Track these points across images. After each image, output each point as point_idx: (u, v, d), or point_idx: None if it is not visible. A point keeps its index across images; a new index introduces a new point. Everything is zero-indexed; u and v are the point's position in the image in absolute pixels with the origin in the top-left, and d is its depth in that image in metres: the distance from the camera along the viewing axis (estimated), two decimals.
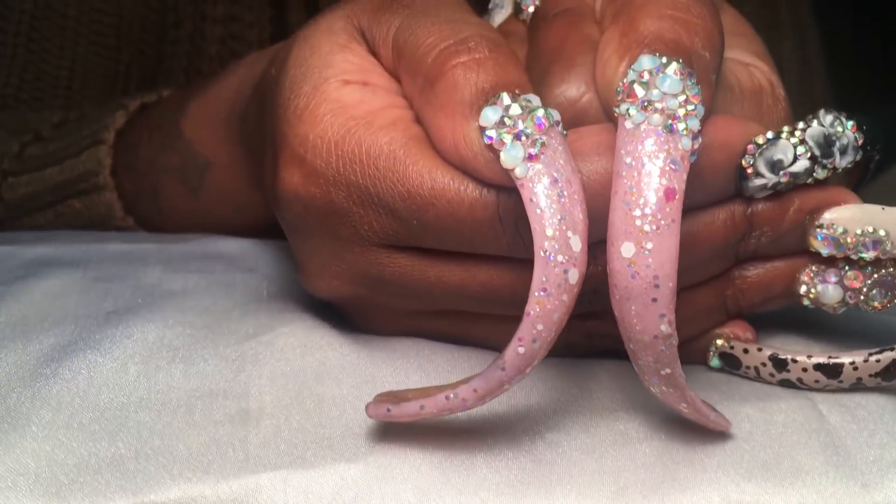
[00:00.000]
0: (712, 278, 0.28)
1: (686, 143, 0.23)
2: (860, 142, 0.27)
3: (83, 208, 0.43)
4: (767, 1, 0.58)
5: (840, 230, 0.27)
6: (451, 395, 0.23)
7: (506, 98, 0.24)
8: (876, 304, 0.27)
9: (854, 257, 0.27)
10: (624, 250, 0.22)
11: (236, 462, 0.24)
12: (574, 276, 0.23)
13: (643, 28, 0.25)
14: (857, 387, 0.28)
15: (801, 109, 0.55)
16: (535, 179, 0.23)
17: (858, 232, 0.27)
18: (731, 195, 0.27)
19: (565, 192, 0.23)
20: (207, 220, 0.41)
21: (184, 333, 0.29)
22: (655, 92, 0.23)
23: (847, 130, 0.27)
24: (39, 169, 0.44)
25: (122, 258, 0.36)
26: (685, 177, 0.23)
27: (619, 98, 0.24)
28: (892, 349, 0.27)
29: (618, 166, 0.23)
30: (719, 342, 0.29)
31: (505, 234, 0.25)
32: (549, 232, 0.22)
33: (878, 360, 0.27)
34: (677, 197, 0.23)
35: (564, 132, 0.24)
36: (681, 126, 0.23)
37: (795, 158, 0.26)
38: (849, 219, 0.27)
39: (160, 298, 0.31)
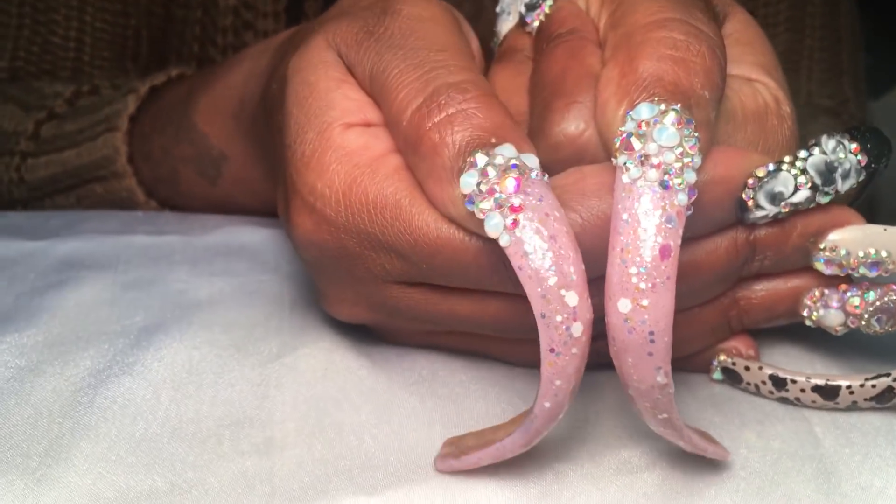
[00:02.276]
0: (717, 298, 0.29)
1: (682, 199, 0.23)
2: (863, 163, 0.27)
3: (105, 193, 0.44)
4: None
5: (843, 252, 0.28)
6: (500, 446, 0.25)
7: (480, 159, 0.24)
8: (877, 328, 0.28)
9: (857, 275, 0.28)
10: (621, 306, 0.23)
11: (263, 496, 0.26)
12: (578, 329, 0.23)
13: (642, 69, 0.25)
14: (853, 408, 0.29)
15: (831, 84, 0.53)
16: (517, 245, 0.23)
17: (861, 254, 0.28)
18: (733, 223, 0.27)
19: (551, 251, 0.23)
20: (227, 204, 0.42)
21: (211, 354, 0.30)
22: (652, 146, 0.24)
23: (849, 155, 0.27)
24: (58, 151, 0.45)
25: (149, 256, 0.37)
26: (681, 232, 0.23)
27: (617, 148, 0.24)
28: (888, 375, 0.28)
29: (615, 222, 0.24)
30: (722, 357, 0.30)
31: (511, 278, 0.26)
32: (543, 295, 0.23)
33: (873, 386, 0.28)
34: (673, 254, 0.23)
35: (545, 177, 0.24)
36: (676, 181, 0.23)
37: (796, 189, 0.27)
38: (851, 241, 0.28)
39: (188, 311, 0.33)
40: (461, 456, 0.25)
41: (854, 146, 0.27)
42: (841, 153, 0.27)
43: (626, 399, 0.29)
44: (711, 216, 0.27)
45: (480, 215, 0.24)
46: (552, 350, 0.23)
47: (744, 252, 0.28)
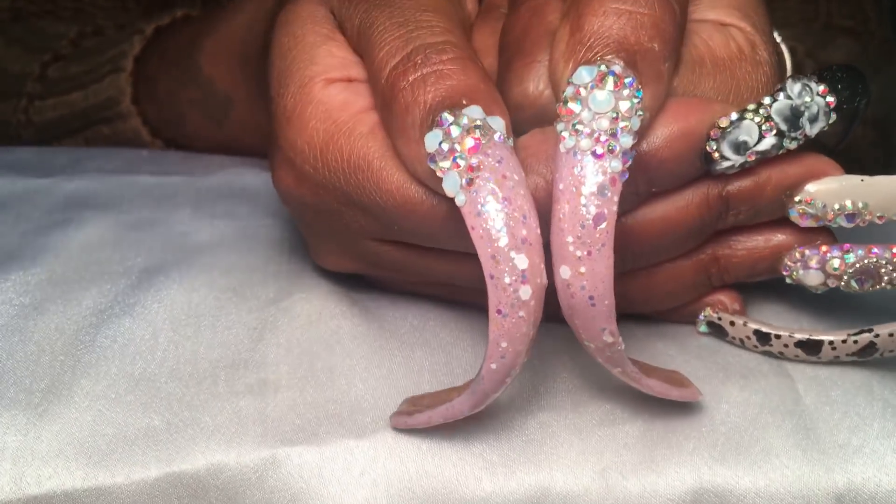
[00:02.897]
0: (695, 254, 0.29)
1: (616, 165, 0.23)
2: (832, 105, 0.27)
3: (111, 134, 0.44)
4: None
5: (819, 205, 0.27)
6: (450, 406, 0.25)
7: (446, 118, 0.24)
8: (856, 288, 0.28)
9: (834, 226, 0.28)
10: (562, 273, 0.24)
11: (255, 436, 0.27)
12: (526, 292, 0.23)
13: (587, 27, 0.25)
14: (834, 363, 0.29)
15: (850, 4, 0.50)
16: (472, 205, 0.23)
17: (836, 207, 0.27)
18: (701, 175, 0.27)
19: (504, 213, 0.23)
20: (234, 145, 0.42)
21: (209, 297, 0.31)
22: (586, 113, 0.24)
23: (816, 98, 0.26)
24: (65, 93, 0.45)
25: (153, 196, 0.38)
26: (616, 199, 0.23)
27: (558, 115, 0.24)
28: (870, 331, 0.28)
29: (554, 191, 0.24)
30: (708, 311, 0.31)
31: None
32: (492, 256, 0.23)
33: (855, 342, 0.29)
34: (607, 221, 0.23)
35: (510, 141, 0.24)
36: (609, 148, 0.23)
37: (761, 137, 0.26)
38: (827, 192, 0.28)
39: (189, 254, 0.33)
40: (414, 413, 0.26)
41: (822, 88, 0.27)
42: (807, 97, 0.26)
43: None
44: (676, 171, 0.27)
45: (440, 174, 0.24)
46: (499, 311, 0.23)
47: (717, 207, 0.28)
